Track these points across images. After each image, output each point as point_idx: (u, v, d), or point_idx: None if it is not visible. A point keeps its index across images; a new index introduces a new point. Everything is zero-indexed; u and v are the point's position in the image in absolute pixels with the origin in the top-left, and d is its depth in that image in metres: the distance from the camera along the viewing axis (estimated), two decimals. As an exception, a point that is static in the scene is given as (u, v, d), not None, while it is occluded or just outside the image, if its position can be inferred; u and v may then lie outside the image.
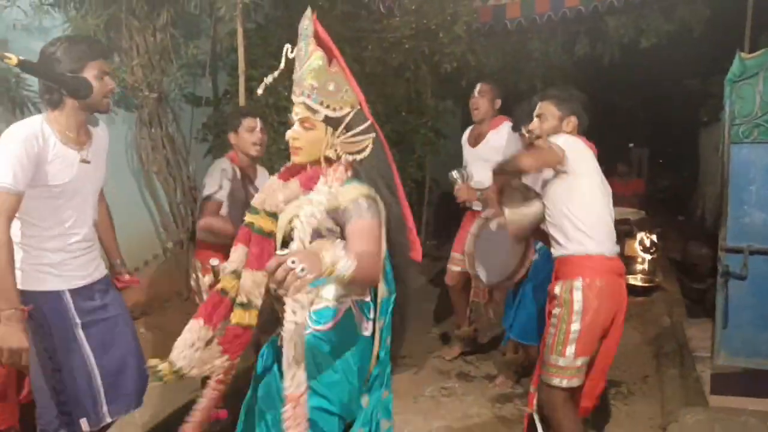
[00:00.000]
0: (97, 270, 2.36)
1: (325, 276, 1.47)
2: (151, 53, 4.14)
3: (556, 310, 2.49)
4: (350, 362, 1.81)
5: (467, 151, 4.03)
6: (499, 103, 3.93)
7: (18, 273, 2.07)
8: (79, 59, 2.11)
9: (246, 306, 1.87)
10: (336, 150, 1.80)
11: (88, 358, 2.23)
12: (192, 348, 1.88)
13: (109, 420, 2.31)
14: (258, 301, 1.88)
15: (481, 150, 3.87)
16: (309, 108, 1.77)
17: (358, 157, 1.81)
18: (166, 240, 4.61)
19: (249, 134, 3.03)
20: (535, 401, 2.61)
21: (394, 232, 1.85)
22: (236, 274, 1.92)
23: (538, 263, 3.25)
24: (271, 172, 4.74)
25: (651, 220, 6.26)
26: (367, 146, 1.81)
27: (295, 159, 1.85)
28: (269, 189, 1.93)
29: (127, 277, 2.62)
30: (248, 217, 1.93)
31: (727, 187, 3.06)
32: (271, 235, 1.87)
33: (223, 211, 2.98)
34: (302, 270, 1.36)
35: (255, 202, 1.94)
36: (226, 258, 2.99)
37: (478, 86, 3.92)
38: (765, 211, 3.00)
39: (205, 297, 2.97)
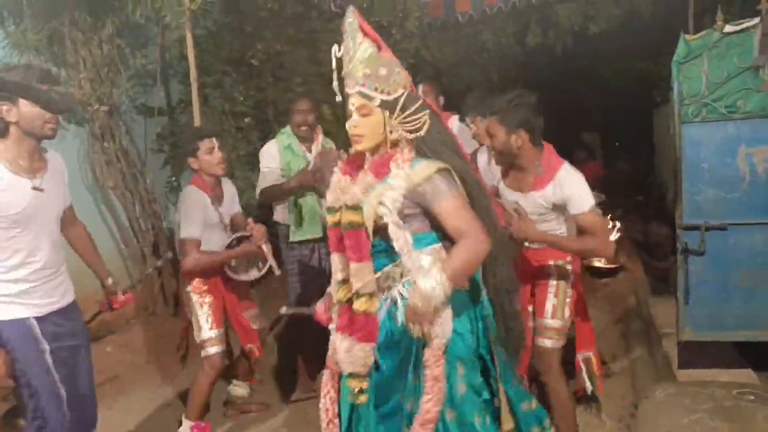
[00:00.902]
0: (65, 297, 2.35)
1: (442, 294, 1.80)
2: (99, 66, 4.04)
3: (553, 282, 2.74)
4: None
5: None
6: (442, 99, 4.03)
7: None
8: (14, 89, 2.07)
9: (369, 295, 1.94)
10: (397, 131, 1.89)
11: (56, 384, 2.24)
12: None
13: None
14: (373, 288, 1.94)
15: None
16: (365, 95, 1.87)
17: (420, 134, 1.91)
18: (127, 257, 4.51)
19: (210, 156, 3.02)
20: None
21: (473, 191, 1.96)
22: (345, 281, 2.00)
23: None
24: (232, 177, 4.71)
25: (611, 202, 6.36)
26: (425, 122, 1.91)
27: (357, 147, 1.94)
28: (338, 186, 1.99)
29: (121, 297, 2.65)
30: (330, 218, 2.00)
31: (680, 166, 3.12)
32: (361, 225, 1.91)
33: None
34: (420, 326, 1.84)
35: (330, 202, 2.01)
36: (216, 271, 3.05)
37: (420, 87, 3.99)
38: (718, 188, 3.07)
39: (202, 323, 2.99)
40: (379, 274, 1.95)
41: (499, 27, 5.99)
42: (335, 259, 2.05)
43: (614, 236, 5.95)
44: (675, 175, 3.18)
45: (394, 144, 1.93)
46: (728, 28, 2.95)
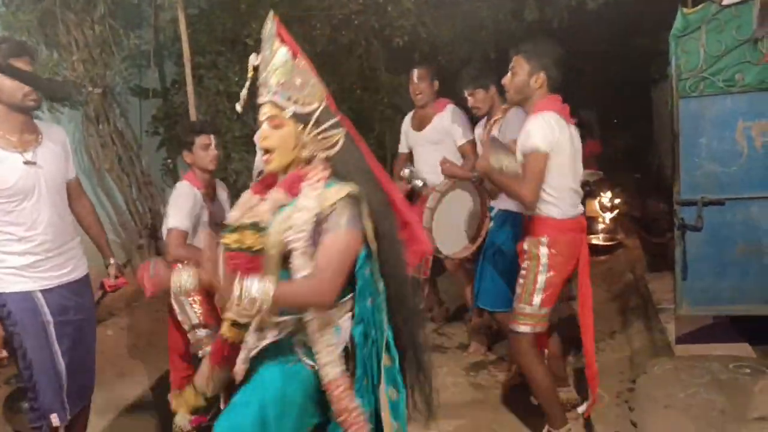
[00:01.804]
0: (75, 271, 2.41)
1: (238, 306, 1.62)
2: (91, 47, 4.00)
3: (525, 264, 2.65)
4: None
5: (412, 135, 4.01)
6: (437, 84, 3.91)
7: None
8: None
9: (240, 325, 1.86)
10: (309, 148, 1.76)
11: (56, 356, 2.30)
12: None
13: (69, 417, 2.39)
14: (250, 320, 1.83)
15: (428, 133, 3.88)
16: (277, 105, 1.74)
17: (331, 152, 1.77)
18: (125, 239, 4.51)
19: (204, 152, 2.96)
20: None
21: (380, 222, 1.79)
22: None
23: (493, 230, 3.29)
24: (228, 158, 4.68)
25: (609, 179, 6.37)
26: (338, 141, 1.78)
27: (269, 167, 1.80)
28: (245, 205, 1.85)
29: (111, 281, 2.64)
30: (226, 239, 1.82)
31: (678, 141, 3.11)
32: (260, 251, 1.76)
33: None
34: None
35: (232, 219, 1.86)
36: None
37: (415, 72, 3.89)
38: (715, 163, 3.07)
39: (187, 308, 2.94)
40: (282, 319, 1.78)
41: (497, 3, 5.92)
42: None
43: (612, 214, 5.98)
44: (673, 150, 3.18)
45: (308, 162, 1.79)
46: (726, 1, 2.92)
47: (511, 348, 2.74)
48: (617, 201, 6.04)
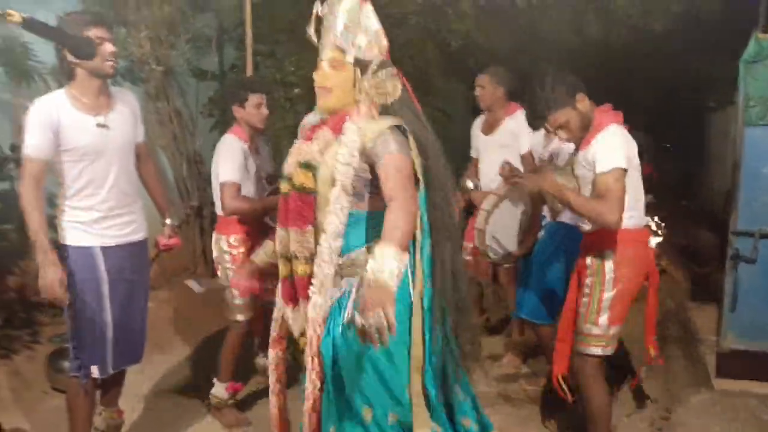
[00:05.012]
0: (136, 233, 2.52)
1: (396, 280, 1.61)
2: (159, 26, 4.09)
3: (588, 280, 2.50)
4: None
5: (481, 139, 3.96)
6: (502, 90, 3.79)
7: (60, 230, 2.34)
8: (77, 25, 2.24)
9: (307, 258, 1.88)
10: (366, 95, 1.80)
11: (105, 312, 2.41)
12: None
13: (111, 371, 2.48)
14: (303, 255, 1.88)
15: (498, 136, 3.83)
16: (339, 48, 1.79)
17: (389, 100, 1.81)
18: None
19: (257, 110, 3.01)
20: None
21: (432, 159, 1.84)
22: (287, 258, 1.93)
23: (544, 241, 3.24)
24: (279, 148, 4.73)
25: (658, 204, 6.22)
26: (396, 90, 1.82)
27: (324, 103, 1.85)
28: (296, 152, 1.91)
29: (164, 240, 2.74)
30: (283, 186, 1.92)
31: (740, 170, 3.03)
32: (311, 190, 1.82)
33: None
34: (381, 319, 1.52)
35: (286, 168, 1.93)
36: (254, 229, 3.03)
37: (478, 78, 3.85)
38: (777, 195, 2.98)
39: (228, 272, 2.99)
40: (344, 258, 1.84)
41: (559, 18, 5.85)
42: (280, 235, 1.93)
43: (658, 239, 5.84)
44: (732, 179, 3.09)
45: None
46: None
47: (578, 369, 2.55)
48: (663, 226, 5.90)
